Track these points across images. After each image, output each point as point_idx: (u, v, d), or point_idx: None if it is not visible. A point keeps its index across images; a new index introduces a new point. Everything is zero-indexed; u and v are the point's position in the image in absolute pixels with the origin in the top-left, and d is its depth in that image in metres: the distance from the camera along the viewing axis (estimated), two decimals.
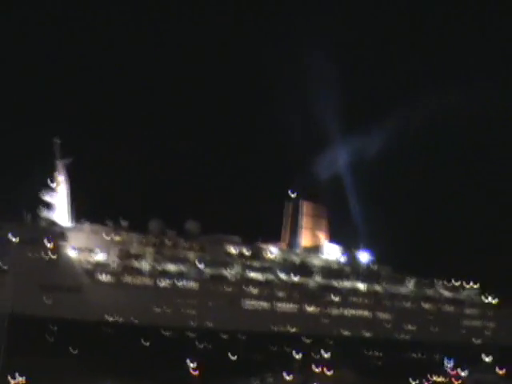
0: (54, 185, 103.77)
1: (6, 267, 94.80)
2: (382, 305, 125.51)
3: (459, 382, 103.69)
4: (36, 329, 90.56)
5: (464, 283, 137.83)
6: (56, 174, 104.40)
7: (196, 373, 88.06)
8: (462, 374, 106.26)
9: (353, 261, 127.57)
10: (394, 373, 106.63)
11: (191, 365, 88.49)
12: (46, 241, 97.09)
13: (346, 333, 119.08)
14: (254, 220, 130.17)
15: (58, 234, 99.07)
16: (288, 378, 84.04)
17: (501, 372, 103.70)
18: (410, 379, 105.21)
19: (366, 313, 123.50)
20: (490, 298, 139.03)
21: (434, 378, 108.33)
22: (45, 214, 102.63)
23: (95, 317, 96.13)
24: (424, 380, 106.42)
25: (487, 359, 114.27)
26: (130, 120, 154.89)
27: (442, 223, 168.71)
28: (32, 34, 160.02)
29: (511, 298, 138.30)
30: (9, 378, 72.56)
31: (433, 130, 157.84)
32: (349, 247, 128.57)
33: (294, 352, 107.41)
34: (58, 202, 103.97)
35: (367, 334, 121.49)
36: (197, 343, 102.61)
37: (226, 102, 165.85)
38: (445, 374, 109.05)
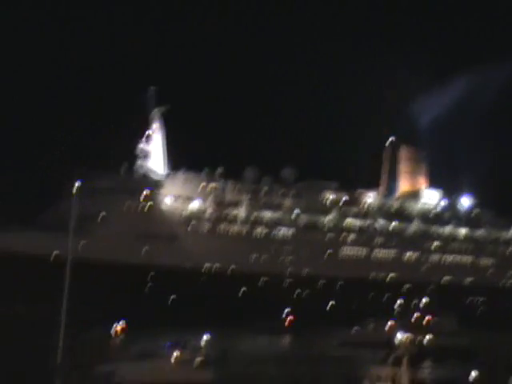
0: (149, 133, 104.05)
1: (104, 216, 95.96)
2: (484, 250, 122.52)
3: None
4: (134, 277, 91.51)
5: None
6: (152, 122, 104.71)
7: (291, 319, 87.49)
8: None
9: (453, 206, 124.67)
10: (496, 320, 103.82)
11: (285, 311, 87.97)
12: (142, 190, 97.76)
13: (447, 279, 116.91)
14: (352, 165, 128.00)
15: (153, 182, 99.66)
16: (389, 323, 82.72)
17: None
18: None
19: (467, 258, 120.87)
20: None
21: None
22: (141, 162, 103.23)
23: (191, 264, 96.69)
24: None
25: None
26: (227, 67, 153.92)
27: None
28: None
29: None
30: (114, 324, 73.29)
31: None
32: (449, 192, 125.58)
33: (394, 299, 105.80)
34: (154, 151, 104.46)
35: (468, 280, 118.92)
36: (293, 290, 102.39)
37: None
38: None
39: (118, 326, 73.00)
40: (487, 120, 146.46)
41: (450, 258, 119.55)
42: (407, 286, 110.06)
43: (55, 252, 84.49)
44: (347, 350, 67.71)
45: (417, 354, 62.56)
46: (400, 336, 51.03)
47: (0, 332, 63.79)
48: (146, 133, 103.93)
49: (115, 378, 48.50)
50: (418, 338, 76.82)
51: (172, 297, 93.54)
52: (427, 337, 76.24)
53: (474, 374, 40.66)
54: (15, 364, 50.91)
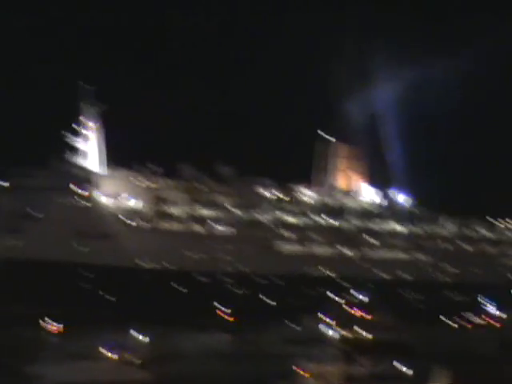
0: (86, 131, 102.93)
1: (39, 215, 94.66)
2: (421, 246, 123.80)
3: (499, 324, 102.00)
4: (70, 276, 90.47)
5: (507, 222, 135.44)
6: (88, 119, 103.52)
7: (230, 318, 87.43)
8: (502, 315, 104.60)
9: (391, 202, 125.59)
10: (434, 315, 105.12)
11: (225, 310, 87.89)
12: (79, 188, 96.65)
13: (385, 275, 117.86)
14: (289, 163, 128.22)
15: (90, 180, 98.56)
16: (326, 319, 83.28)
17: None
18: (450, 322, 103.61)
19: (404, 255, 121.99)
20: None
21: (475, 320, 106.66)
22: (78, 160, 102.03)
23: (129, 263, 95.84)
24: (463, 322, 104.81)
25: None
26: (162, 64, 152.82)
27: (481, 162, 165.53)
28: None
29: None
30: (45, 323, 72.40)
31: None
32: (387, 189, 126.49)
33: (331, 295, 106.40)
34: (91, 149, 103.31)
35: (407, 277, 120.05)
36: (232, 288, 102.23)
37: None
38: (486, 315, 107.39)
39: (53, 326, 71.96)
40: (424, 116, 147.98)
41: (387, 254, 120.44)
42: (345, 282, 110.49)
43: None
44: (288, 348, 67.74)
45: (352, 351, 63.15)
46: (335, 333, 51.30)
47: None
48: (83, 131, 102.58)
49: (45, 380, 47.72)
50: (355, 334, 77.64)
51: (109, 297, 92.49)
52: (364, 333, 76.99)
53: (406, 370, 40.99)
54: None
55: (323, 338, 71.99)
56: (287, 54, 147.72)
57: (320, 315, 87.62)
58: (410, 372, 40.95)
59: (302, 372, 39.64)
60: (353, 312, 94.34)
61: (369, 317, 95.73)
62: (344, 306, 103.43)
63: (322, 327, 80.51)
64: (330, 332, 78.58)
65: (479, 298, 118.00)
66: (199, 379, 53.37)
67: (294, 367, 39.22)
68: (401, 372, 41.74)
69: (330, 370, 38.18)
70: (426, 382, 40.94)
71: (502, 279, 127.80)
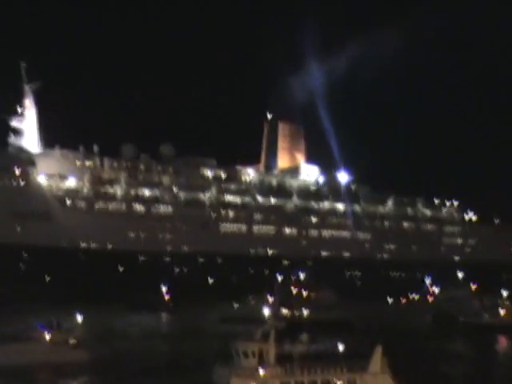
0: (21, 110, 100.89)
1: None
2: (361, 225, 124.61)
3: (432, 298, 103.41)
4: (7, 257, 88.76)
5: (444, 201, 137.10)
6: (24, 98, 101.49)
7: (168, 297, 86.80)
8: (436, 290, 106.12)
9: (331, 181, 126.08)
10: (373, 292, 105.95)
11: (164, 289, 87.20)
12: (14, 168, 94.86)
13: (325, 254, 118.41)
14: (231, 142, 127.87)
15: (26, 160, 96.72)
16: (270, 299, 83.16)
17: (473, 287, 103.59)
18: (388, 298, 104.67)
19: (344, 233, 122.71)
20: (470, 215, 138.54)
21: (411, 297, 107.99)
22: (13, 140, 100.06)
23: (68, 243, 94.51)
24: (400, 298, 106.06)
25: (460, 275, 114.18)
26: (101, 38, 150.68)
27: (420, 142, 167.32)
28: None
29: (490, 214, 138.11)
30: None
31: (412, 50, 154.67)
32: (327, 168, 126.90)
33: (274, 274, 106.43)
34: (27, 128, 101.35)
35: (346, 255, 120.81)
36: (173, 267, 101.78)
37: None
38: (423, 292, 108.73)
39: None
40: (366, 95, 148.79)
41: (328, 232, 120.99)
42: (286, 261, 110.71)
43: None
44: (227, 326, 67.42)
45: (289, 329, 63.11)
46: (268, 311, 50.99)
47: None
48: (19, 109, 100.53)
49: None
50: (296, 312, 77.64)
51: (46, 276, 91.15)
52: (305, 311, 77.03)
53: (340, 346, 40.90)
54: None
55: (262, 316, 71.66)
56: (231, 34, 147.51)
57: (260, 294, 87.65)
58: (341, 349, 41.04)
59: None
60: (294, 290, 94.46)
61: (309, 295, 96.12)
62: (285, 284, 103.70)
63: (261, 306, 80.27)
64: (270, 311, 78.43)
65: (417, 275, 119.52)
66: (135, 358, 52.80)
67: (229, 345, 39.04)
68: (337, 349, 41.76)
69: (259, 347, 38.00)
70: (362, 357, 41.07)
71: (440, 257, 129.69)
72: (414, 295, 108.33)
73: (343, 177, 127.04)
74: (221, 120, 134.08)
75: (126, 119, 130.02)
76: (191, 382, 43.49)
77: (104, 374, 47.41)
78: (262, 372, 37.44)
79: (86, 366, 49.39)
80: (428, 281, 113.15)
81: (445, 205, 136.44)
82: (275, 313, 74.89)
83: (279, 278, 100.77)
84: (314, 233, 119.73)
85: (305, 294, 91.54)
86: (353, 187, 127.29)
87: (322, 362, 39.08)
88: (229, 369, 37.85)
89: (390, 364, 40.61)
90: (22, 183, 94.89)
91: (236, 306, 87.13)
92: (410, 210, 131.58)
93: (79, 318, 57.81)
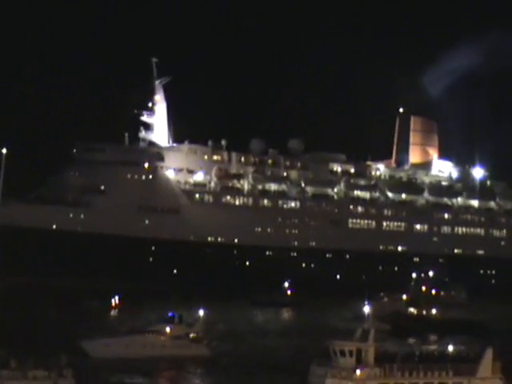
0: (152, 105, 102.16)
1: (104, 188, 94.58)
2: (496, 222, 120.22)
3: None
4: (136, 250, 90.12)
5: None
6: (154, 94, 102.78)
7: (290, 293, 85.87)
8: None
9: (465, 177, 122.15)
10: (509, 292, 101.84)
11: (286, 284, 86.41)
12: (143, 162, 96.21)
13: (458, 251, 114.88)
14: (362, 137, 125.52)
15: (155, 154, 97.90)
16: (404, 297, 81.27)
17: None
18: None
19: (479, 230, 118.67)
20: None
21: None
22: (143, 134, 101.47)
23: (195, 237, 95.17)
24: None
25: None
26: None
27: None
28: None
29: None
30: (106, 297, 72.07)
31: None
32: (461, 163, 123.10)
33: (402, 271, 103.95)
34: (157, 123, 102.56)
35: (480, 253, 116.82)
36: (300, 263, 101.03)
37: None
38: None
39: (115, 300, 71.52)
40: (500, 88, 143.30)
41: (461, 229, 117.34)
42: (417, 258, 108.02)
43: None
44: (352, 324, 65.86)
45: (417, 327, 60.93)
46: (368, 309, 48.98)
47: None
48: (149, 104, 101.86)
49: (101, 354, 47.23)
50: (424, 311, 75.28)
51: (174, 271, 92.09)
52: (434, 310, 74.58)
53: (450, 348, 38.73)
54: None
55: (395, 314, 69.97)
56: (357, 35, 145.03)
57: (390, 292, 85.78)
58: (451, 350, 38.90)
59: None
60: (424, 288, 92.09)
61: (439, 293, 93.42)
62: (415, 282, 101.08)
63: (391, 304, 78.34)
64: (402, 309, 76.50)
65: None
66: (258, 353, 52.16)
67: None
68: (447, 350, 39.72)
69: (357, 346, 36.33)
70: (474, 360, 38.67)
71: None
72: None
73: (478, 172, 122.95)
74: (351, 114, 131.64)
75: (255, 114, 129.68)
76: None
77: (224, 370, 46.91)
78: (358, 372, 35.64)
79: (207, 361, 49.11)
80: None
81: None
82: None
83: (409, 276, 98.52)
84: (446, 229, 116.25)
85: (434, 292, 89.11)
86: (488, 183, 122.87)
87: (427, 364, 36.86)
88: (325, 368, 36.13)
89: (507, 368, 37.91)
90: (150, 177, 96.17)
91: (368, 303, 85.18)
92: None
93: (201, 313, 57.47)
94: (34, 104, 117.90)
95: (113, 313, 70.56)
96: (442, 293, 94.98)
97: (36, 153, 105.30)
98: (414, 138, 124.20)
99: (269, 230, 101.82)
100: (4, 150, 48.29)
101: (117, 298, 71.37)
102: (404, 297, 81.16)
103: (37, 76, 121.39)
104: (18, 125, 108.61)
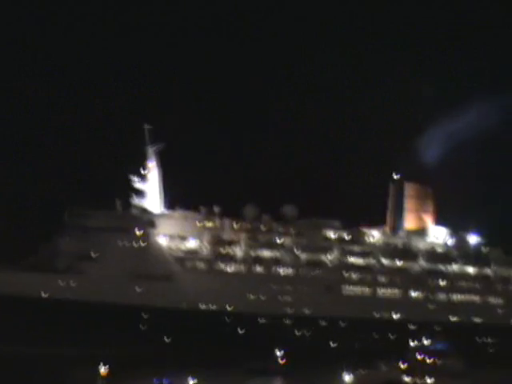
0: (145, 172, 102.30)
1: (96, 255, 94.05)
2: (493, 289, 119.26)
3: None
4: (127, 318, 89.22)
5: None
6: (147, 160, 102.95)
7: (283, 361, 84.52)
8: None
9: (461, 244, 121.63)
10: (507, 361, 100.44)
11: (279, 353, 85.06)
12: (136, 229, 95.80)
13: (454, 319, 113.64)
14: (356, 204, 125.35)
15: (147, 221, 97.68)
16: (402, 366, 79.87)
17: None
18: None
19: (475, 298, 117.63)
20: None
21: None
22: (136, 201, 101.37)
23: (187, 305, 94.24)
24: None
25: None
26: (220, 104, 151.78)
27: None
28: None
29: None
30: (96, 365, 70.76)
31: None
32: (456, 230, 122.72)
33: (398, 339, 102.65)
34: (150, 189, 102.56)
35: (478, 320, 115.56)
36: (293, 331, 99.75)
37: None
38: None
39: (102, 370, 70.16)
40: (496, 155, 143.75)
41: (457, 297, 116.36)
42: (412, 326, 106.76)
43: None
44: None
45: None
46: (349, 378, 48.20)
47: None
48: (142, 171, 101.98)
49: None
50: (419, 380, 73.86)
51: (165, 338, 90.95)
52: (429, 380, 73.22)
53: None
54: None
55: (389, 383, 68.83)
56: (355, 95, 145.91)
57: (385, 360, 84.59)
58: None
59: None
60: (420, 357, 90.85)
61: (435, 361, 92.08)
62: (411, 350, 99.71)
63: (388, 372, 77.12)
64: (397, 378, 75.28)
65: None
66: None
67: None
68: None
69: None
70: None
71: None
72: None
73: (474, 239, 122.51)
74: (345, 181, 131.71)
75: (248, 180, 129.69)
76: None
77: None
78: None
79: None
80: None
81: None
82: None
83: (405, 344, 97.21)
84: (442, 297, 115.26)
85: (429, 360, 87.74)
86: (484, 249, 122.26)
87: None
88: None
89: None
90: (142, 244, 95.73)
91: (363, 372, 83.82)
92: None
93: (191, 382, 56.56)
94: (25, 170, 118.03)
95: (101, 382, 69.38)
96: (439, 361, 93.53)
97: (27, 219, 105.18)
98: (408, 204, 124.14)
99: (262, 297, 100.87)
100: None
101: (106, 366, 70.18)
102: (400, 365, 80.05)
103: (30, 144, 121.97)
104: (8, 190, 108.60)
